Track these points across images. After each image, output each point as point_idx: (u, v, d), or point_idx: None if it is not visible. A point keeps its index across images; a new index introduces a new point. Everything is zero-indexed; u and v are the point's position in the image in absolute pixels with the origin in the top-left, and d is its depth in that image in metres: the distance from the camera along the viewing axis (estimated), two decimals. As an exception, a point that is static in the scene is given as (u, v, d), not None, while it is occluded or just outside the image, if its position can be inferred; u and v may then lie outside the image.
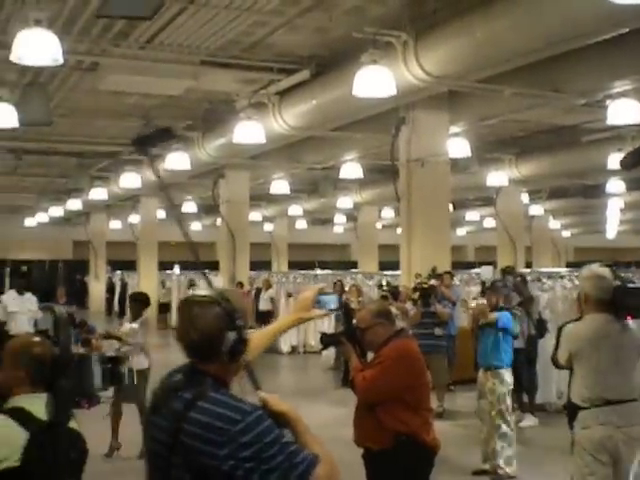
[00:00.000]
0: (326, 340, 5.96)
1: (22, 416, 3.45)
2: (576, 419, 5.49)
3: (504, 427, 8.61)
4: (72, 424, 3.61)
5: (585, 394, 5.42)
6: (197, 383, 2.78)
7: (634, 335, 5.74)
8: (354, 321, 5.75)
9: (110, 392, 3.40)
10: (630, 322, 5.76)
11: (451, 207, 16.13)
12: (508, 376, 8.72)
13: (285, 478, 2.63)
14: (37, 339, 3.70)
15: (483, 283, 13.45)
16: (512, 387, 8.86)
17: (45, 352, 3.60)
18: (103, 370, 3.58)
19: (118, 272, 34.49)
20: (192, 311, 2.84)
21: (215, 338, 2.80)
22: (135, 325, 9.61)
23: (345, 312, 13.58)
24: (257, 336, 3.39)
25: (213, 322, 2.81)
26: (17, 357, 3.62)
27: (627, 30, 8.76)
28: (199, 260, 3.71)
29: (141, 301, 10.06)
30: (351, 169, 18.81)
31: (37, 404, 3.49)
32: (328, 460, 2.75)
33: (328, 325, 16.62)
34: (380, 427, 5.16)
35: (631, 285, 5.73)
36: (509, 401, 8.74)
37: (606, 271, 5.60)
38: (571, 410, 5.63)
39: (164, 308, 27.35)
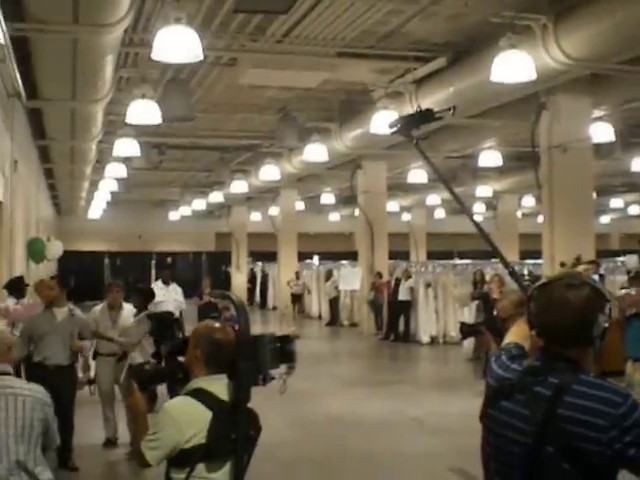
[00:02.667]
0: (466, 330, 5.91)
1: (205, 397, 3.65)
2: None
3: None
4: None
5: None
6: (561, 367, 2.66)
7: None
8: (494, 311, 5.68)
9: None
10: None
11: (594, 194, 15.66)
12: None
13: None
14: (218, 325, 3.90)
15: (628, 272, 13.00)
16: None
17: (225, 337, 3.78)
18: (274, 349, 3.69)
19: (259, 263, 35.08)
20: (563, 294, 2.69)
21: (589, 321, 2.68)
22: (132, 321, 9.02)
23: (485, 302, 13.39)
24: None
25: (587, 305, 2.69)
26: (198, 341, 3.81)
27: None
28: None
29: (144, 293, 9.67)
30: (490, 157, 18.53)
31: (215, 385, 3.69)
32: None
33: (468, 315, 16.43)
34: None
35: None
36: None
37: None
38: None
39: (296, 298, 27.50)
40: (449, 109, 3.60)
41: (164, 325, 4.68)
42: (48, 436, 4.00)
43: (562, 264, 12.46)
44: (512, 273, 3.36)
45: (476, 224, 3.51)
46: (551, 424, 2.58)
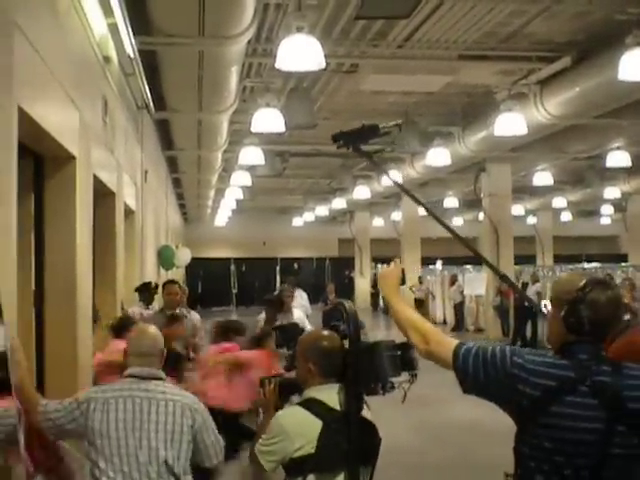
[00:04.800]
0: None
1: (316, 406, 3.69)
2: None
3: None
4: (366, 414, 3.78)
5: None
6: (603, 357, 3.03)
7: None
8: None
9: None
10: None
11: None
12: None
13: None
14: (326, 333, 3.90)
15: None
16: None
17: (333, 345, 3.80)
18: (393, 357, 3.70)
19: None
20: (616, 293, 3.11)
21: (620, 317, 3.20)
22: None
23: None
24: (415, 315, 3.44)
25: (622, 303, 3.21)
26: (307, 351, 3.85)
27: None
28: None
29: (273, 303, 9.59)
30: (618, 157, 18.04)
31: (327, 394, 3.71)
32: None
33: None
34: None
35: None
36: None
37: None
38: None
39: (419, 303, 27.32)
40: (396, 125, 3.65)
41: (289, 336, 4.75)
42: (198, 447, 4.02)
43: None
44: (503, 278, 3.57)
45: (449, 229, 3.65)
46: (620, 407, 2.92)
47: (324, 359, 3.78)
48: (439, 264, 29.71)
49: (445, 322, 26.85)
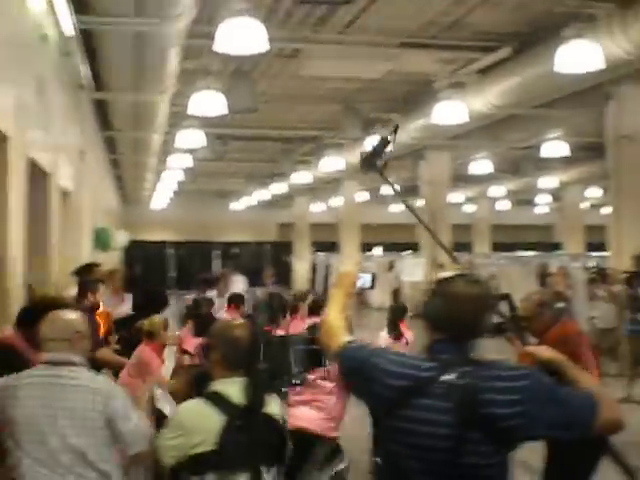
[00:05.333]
0: (492, 329, 6.05)
1: (219, 400, 3.53)
2: None
3: None
4: (272, 408, 3.64)
5: None
6: (465, 357, 2.85)
7: None
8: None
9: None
10: None
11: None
12: None
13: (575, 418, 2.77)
14: (238, 322, 3.78)
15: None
16: None
17: (243, 336, 3.65)
18: (306, 350, 3.60)
19: (321, 253, 35.20)
20: (468, 290, 2.90)
21: (486, 315, 2.98)
22: None
23: (509, 301, 13.17)
24: (340, 316, 3.33)
25: (486, 300, 2.99)
26: (216, 340, 3.71)
27: None
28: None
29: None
30: (554, 147, 18.27)
31: (233, 388, 3.56)
32: (605, 396, 2.85)
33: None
34: None
35: None
36: None
37: None
38: None
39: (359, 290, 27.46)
40: (396, 127, 3.66)
41: (206, 325, 4.55)
42: (114, 433, 3.79)
43: (637, 257, 12.19)
44: (454, 259, 3.53)
45: (417, 216, 3.66)
46: (473, 411, 2.71)
47: (230, 350, 3.62)
48: (378, 250, 29.83)
49: (383, 308, 26.99)
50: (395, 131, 3.56)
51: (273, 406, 3.66)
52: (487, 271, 19.98)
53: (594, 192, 29.24)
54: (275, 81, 14.52)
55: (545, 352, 3.05)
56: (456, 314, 2.86)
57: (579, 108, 14.35)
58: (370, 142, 3.67)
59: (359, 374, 2.97)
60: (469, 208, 35.79)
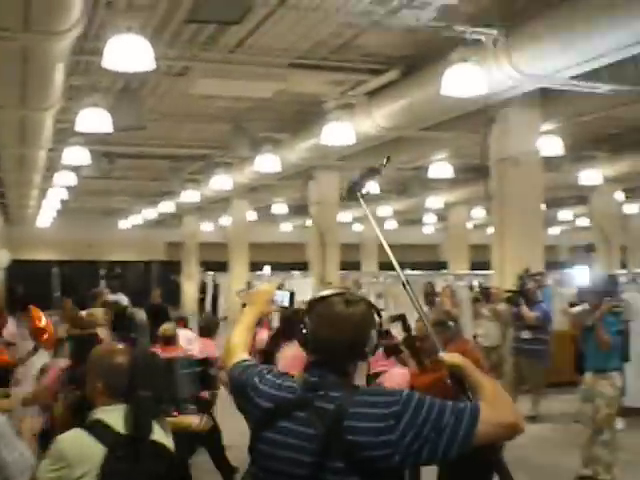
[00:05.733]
0: (388, 349, 6.06)
1: (100, 430, 3.39)
2: None
3: (608, 432, 8.42)
4: (158, 435, 3.52)
5: None
6: (339, 381, 2.70)
7: None
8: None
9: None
10: None
11: (544, 206, 15.84)
12: (619, 379, 8.53)
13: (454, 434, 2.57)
14: (119, 347, 3.63)
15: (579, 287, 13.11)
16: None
17: (125, 361, 3.53)
18: (191, 374, 3.49)
19: (210, 273, 34.96)
20: (342, 310, 2.75)
21: (365, 336, 2.76)
22: None
23: (403, 322, 13.38)
24: (243, 335, 3.25)
25: (364, 320, 2.77)
26: (95, 367, 3.57)
27: None
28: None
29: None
30: (440, 169, 18.66)
31: (115, 416, 3.43)
32: (499, 396, 2.70)
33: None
34: None
35: None
36: (617, 406, 8.57)
37: None
38: None
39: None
40: (388, 159, 3.65)
41: (85, 347, 4.29)
42: (1, 464, 3.61)
43: (520, 277, 12.45)
44: (404, 285, 3.44)
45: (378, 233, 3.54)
46: (337, 438, 2.57)
47: (112, 377, 3.48)
48: (267, 269, 29.79)
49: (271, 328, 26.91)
50: (386, 162, 3.50)
51: (160, 434, 3.54)
52: (375, 290, 20.18)
53: (478, 212, 29.94)
54: (164, 99, 14.38)
55: (453, 357, 2.89)
56: (328, 335, 2.73)
57: (465, 131, 14.67)
58: (358, 172, 3.79)
59: (241, 393, 2.89)
60: (357, 227, 36.16)
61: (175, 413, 3.37)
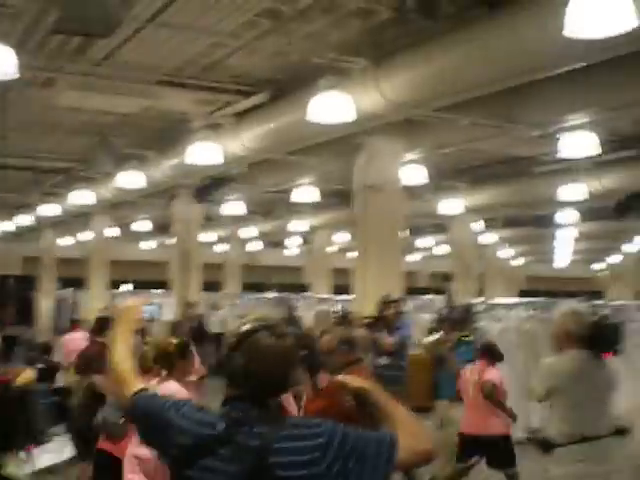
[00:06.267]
0: None
1: None
2: (552, 455, 5.51)
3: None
4: (12, 469, 3.36)
5: (564, 429, 5.45)
6: (264, 416, 2.66)
7: (609, 371, 5.84)
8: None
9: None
10: (605, 359, 5.88)
11: (407, 232, 16.14)
12: None
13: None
14: None
15: (438, 314, 13.40)
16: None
17: None
18: (49, 404, 3.32)
19: (68, 289, 34.03)
20: (272, 343, 2.73)
21: (292, 370, 2.78)
22: None
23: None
24: (129, 358, 3.13)
25: (292, 353, 2.78)
26: None
27: (582, 65, 8.87)
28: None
29: None
30: (305, 192, 18.75)
31: None
32: (409, 423, 2.70)
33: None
34: None
35: (608, 322, 5.92)
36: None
37: (582, 308, 5.77)
38: (546, 446, 5.65)
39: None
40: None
41: None
42: None
43: (385, 302, 12.54)
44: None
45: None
46: (264, 474, 2.55)
47: None
48: (128, 287, 29.28)
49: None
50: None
51: (11, 467, 3.39)
52: (236, 311, 20.13)
53: (342, 237, 30.26)
54: (26, 109, 13.97)
55: (355, 381, 2.86)
56: (255, 370, 2.70)
57: (331, 156, 14.83)
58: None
59: (153, 427, 2.77)
60: (221, 247, 35.97)
61: (32, 447, 3.19)
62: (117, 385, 2.99)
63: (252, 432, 2.61)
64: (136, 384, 2.95)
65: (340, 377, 2.92)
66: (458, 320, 10.07)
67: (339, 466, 2.54)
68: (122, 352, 3.07)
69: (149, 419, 2.79)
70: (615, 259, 38.20)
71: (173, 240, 22.46)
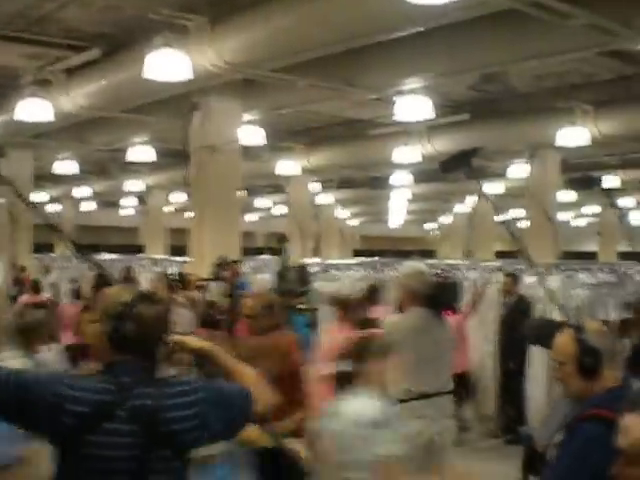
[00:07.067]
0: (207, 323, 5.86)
1: None
2: None
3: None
4: None
5: (404, 387, 5.53)
6: (147, 377, 2.92)
7: (449, 329, 5.98)
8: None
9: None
10: (446, 316, 6.00)
11: (245, 193, 16.10)
12: None
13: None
14: None
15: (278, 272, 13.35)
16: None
17: None
18: None
19: None
20: (156, 310, 2.98)
21: (167, 333, 3.08)
22: None
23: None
24: None
25: (168, 318, 3.11)
26: None
27: (420, 29, 9.02)
28: None
29: None
30: (141, 152, 18.39)
31: None
32: (255, 380, 3.14)
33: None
34: None
35: (448, 281, 6.06)
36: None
37: (424, 267, 5.84)
38: None
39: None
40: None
41: None
42: None
43: (219, 264, 12.48)
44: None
45: None
46: (159, 430, 2.83)
47: None
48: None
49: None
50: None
51: None
52: (68, 275, 19.55)
53: (178, 197, 29.90)
54: None
55: (193, 341, 3.22)
56: (143, 335, 2.92)
57: (167, 115, 14.55)
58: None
59: (32, 403, 2.76)
60: (53, 207, 34.91)
61: None
62: None
63: (143, 393, 2.85)
64: None
65: (179, 337, 3.20)
66: (295, 281, 10.14)
67: (214, 415, 2.92)
68: None
69: (26, 396, 2.78)
70: (446, 219, 39.48)
71: (2, 200, 21.58)
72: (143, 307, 2.94)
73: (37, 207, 3.90)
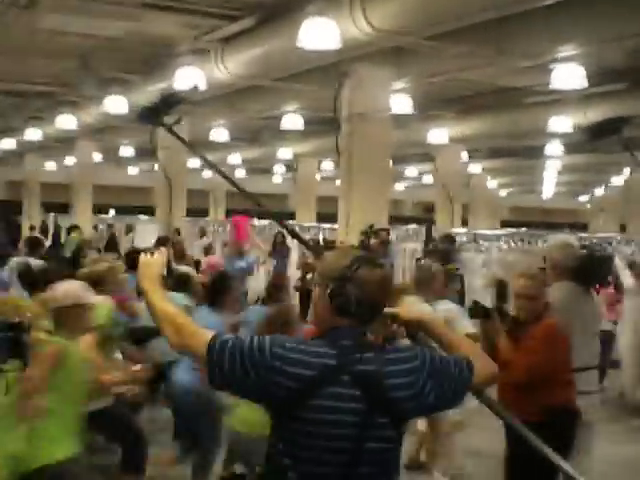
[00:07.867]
0: (478, 311, 5.45)
1: None
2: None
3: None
4: None
5: None
6: (369, 343, 2.87)
7: (596, 305, 5.85)
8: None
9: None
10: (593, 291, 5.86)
11: (391, 162, 16.08)
12: None
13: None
14: None
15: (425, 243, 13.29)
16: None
17: None
18: (2, 339, 3.19)
19: (51, 214, 33.87)
20: (385, 274, 2.94)
21: (391, 296, 3.02)
22: None
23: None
24: (180, 311, 3.10)
25: (391, 282, 3.10)
26: None
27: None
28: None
29: None
30: (292, 120, 18.63)
31: None
32: (475, 351, 3.10)
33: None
34: (536, 401, 5.07)
35: (598, 254, 5.85)
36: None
37: (574, 240, 5.70)
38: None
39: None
40: (195, 87, 3.64)
41: None
42: None
43: (363, 233, 12.55)
44: (293, 233, 3.42)
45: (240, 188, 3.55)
46: (381, 396, 2.77)
47: None
48: (112, 212, 29.14)
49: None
50: (196, 89, 3.40)
51: None
52: (221, 238, 20.07)
53: (328, 165, 30.13)
54: (9, 32, 13.69)
55: (415, 313, 3.16)
56: (367, 300, 2.84)
57: (318, 83, 14.66)
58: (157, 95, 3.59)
59: (248, 368, 2.79)
60: (207, 174, 35.83)
61: None
62: (182, 339, 2.94)
63: (366, 358, 2.80)
64: (206, 332, 2.93)
65: (393, 309, 3.10)
66: (444, 252, 10.07)
67: (430, 385, 2.85)
68: (168, 307, 3.03)
69: (239, 363, 2.80)
70: (600, 192, 38.27)
71: (158, 166, 22.30)
72: (365, 270, 2.84)
73: (227, 176, 3.85)
